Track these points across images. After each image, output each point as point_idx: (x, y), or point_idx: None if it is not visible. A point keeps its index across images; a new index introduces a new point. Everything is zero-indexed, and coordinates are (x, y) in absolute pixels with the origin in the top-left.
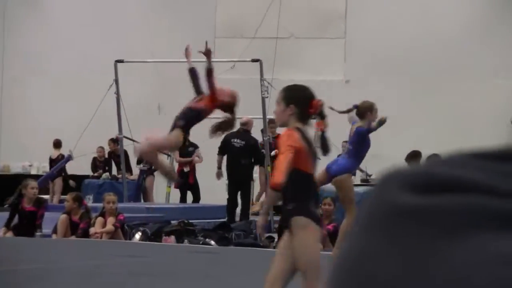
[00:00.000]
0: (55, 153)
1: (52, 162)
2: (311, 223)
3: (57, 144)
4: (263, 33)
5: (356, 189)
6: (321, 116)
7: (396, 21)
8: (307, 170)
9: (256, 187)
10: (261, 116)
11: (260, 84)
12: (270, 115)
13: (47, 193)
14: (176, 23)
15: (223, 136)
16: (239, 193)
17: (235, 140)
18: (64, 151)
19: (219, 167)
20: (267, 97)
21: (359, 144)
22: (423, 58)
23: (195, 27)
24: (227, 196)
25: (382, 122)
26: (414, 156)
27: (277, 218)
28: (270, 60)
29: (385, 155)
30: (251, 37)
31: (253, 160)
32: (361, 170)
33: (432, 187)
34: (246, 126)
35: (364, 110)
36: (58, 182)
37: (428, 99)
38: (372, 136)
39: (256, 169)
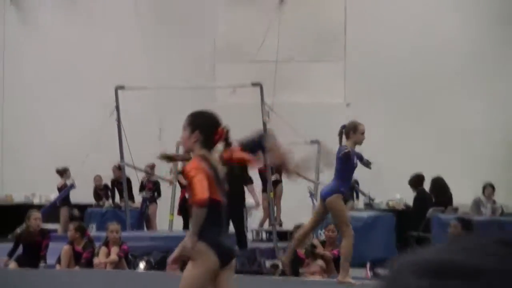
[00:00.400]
0: (60, 182)
1: (59, 191)
2: (209, 252)
3: (61, 172)
4: (263, 56)
5: (360, 213)
6: (227, 143)
7: (396, 43)
8: (213, 197)
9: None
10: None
11: (261, 108)
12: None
13: (57, 221)
14: (176, 48)
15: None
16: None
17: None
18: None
19: None
20: (268, 121)
21: (341, 164)
22: (424, 78)
23: (195, 52)
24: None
25: (367, 163)
26: (417, 179)
27: (281, 244)
28: (270, 83)
29: (388, 179)
30: (251, 60)
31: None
32: (364, 194)
33: (442, 273)
34: None
35: (348, 130)
36: (63, 211)
37: (430, 120)
38: (374, 158)
39: (259, 195)
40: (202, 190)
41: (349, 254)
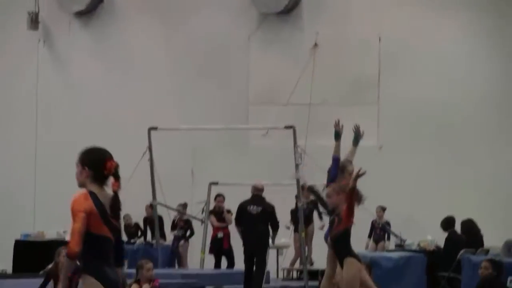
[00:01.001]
0: None
1: None
2: (98, 285)
3: None
4: (296, 99)
5: (391, 254)
6: (116, 176)
7: (430, 86)
8: (99, 232)
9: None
10: (295, 183)
11: (294, 151)
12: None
13: None
14: (209, 90)
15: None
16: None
17: (252, 207)
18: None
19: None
20: (300, 163)
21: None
22: (459, 122)
23: (228, 94)
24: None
25: (357, 135)
26: (448, 221)
27: (312, 283)
28: (303, 126)
29: (419, 220)
30: (284, 103)
31: (269, 227)
32: (395, 235)
33: None
34: (260, 192)
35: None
36: None
37: (463, 163)
38: (406, 200)
39: (291, 235)
40: (75, 242)
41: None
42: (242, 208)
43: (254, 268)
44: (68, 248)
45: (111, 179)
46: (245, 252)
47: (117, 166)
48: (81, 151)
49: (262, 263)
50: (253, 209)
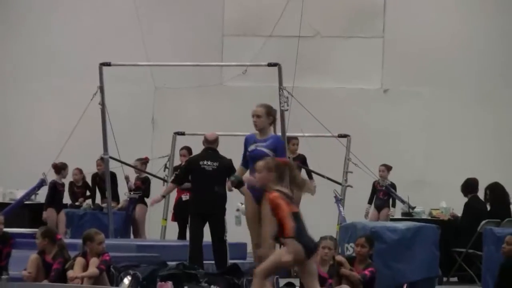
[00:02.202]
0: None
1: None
2: None
3: (56, 168)
4: (282, 30)
5: (396, 224)
6: None
7: (448, 14)
8: None
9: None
10: (279, 133)
11: (279, 93)
12: (291, 132)
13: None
14: (176, 20)
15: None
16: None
17: (206, 163)
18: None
19: (164, 196)
20: (287, 109)
21: None
22: (480, 63)
23: (198, 24)
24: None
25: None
26: (470, 184)
27: None
28: (291, 64)
29: (431, 182)
30: (267, 35)
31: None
32: (402, 201)
33: None
34: (213, 144)
35: None
36: (49, 213)
37: (486, 114)
38: (414, 159)
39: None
40: None
41: None
42: (192, 164)
43: (212, 240)
44: None
45: None
46: (194, 219)
47: None
48: None
49: (223, 231)
50: (208, 164)
